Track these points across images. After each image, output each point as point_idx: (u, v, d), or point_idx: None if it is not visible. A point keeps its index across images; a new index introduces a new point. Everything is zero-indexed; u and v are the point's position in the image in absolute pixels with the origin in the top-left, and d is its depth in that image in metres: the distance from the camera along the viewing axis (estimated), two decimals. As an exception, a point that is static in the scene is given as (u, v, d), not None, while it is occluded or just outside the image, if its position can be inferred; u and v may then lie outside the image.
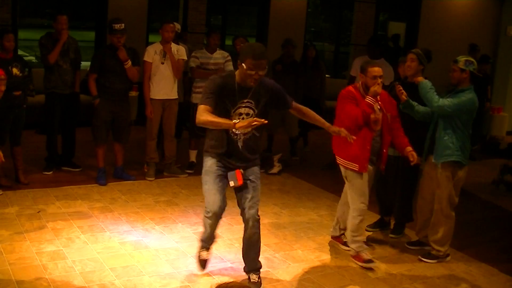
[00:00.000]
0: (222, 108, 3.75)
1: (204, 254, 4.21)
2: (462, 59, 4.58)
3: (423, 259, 4.73)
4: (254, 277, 4.05)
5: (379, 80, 4.38)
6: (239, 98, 3.77)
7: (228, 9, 10.97)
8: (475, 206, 6.61)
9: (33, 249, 4.36)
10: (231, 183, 3.87)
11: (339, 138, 4.37)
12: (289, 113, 7.29)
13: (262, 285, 4.07)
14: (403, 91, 4.67)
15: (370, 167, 4.56)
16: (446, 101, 4.48)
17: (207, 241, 4.19)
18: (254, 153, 3.97)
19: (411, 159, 4.50)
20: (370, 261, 4.49)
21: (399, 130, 4.63)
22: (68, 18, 6.07)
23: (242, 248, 4.09)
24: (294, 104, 4.04)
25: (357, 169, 4.42)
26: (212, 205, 3.87)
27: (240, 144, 3.85)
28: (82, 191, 5.79)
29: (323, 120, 4.06)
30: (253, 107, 3.82)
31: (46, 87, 6.14)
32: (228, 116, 3.75)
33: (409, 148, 4.54)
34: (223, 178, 3.90)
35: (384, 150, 4.57)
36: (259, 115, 3.78)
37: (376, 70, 4.39)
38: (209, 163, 3.91)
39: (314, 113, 4.08)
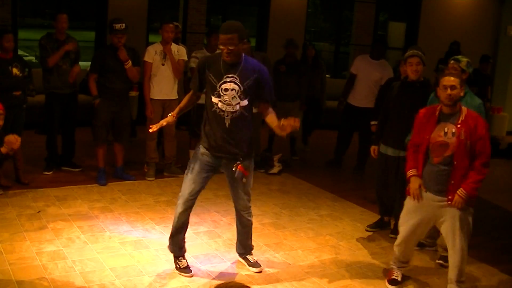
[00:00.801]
0: (210, 83, 3.95)
1: (184, 261, 4.24)
2: (464, 59, 4.53)
3: (440, 262, 4.66)
4: (252, 257, 4.38)
5: (449, 91, 3.83)
6: (224, 73, 3.92)
7: (228, 9, 10.98)
8: (475, 206, 6.58)
9: (33, 249, 4.36)
10: (244, 180, 4.01)
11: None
12: (293, 113, 7.40)
13: (262, 282, 4.11)
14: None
15: (433, 198, 3.98)
16: None
17: (176, 244, 4.23)
18: (243, 138, 4.03)
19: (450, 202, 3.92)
20: (395, 282, 4.24)
21: (473, 170, 3.88)
22: (68, 17, 6.08)
23: (239, 235, 4.37)
24: (265, 105, 4.02)
25: (408, 192, 4.09)
26: (184, 192, 4.08)
27: (227, 122, 3.95)
28: (82, 191, 5.79)
29: (276, 122, 3.90)
30: (238, 83, 3.92)
31: (45, 87, 6.14)
32: (215, 91, 3.92)
33: (461, 192, 3.90)
34: (208, 171, 4.08)
35: (452, 182, 3.90)
36: (243, 93, 3.91)
37: (446, 79, 3.89)
38: (201, 151, 4.08)
39: (273, 119, 3.94)
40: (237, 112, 3.94)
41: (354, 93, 7.15)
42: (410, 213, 4.10)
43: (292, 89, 7.39)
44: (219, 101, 3.92)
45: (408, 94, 4.90)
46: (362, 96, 7.06)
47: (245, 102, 3.94)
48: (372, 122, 5.91)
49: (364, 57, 7.27)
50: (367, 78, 7.00)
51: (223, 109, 3.92)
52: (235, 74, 3.91)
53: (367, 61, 7.12)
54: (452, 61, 4.60)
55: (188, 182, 4.07)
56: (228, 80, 3.91)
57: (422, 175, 4.02)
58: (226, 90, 3.90)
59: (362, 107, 7.01)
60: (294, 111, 7.46)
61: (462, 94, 3.90)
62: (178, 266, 4.20)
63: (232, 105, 3.91)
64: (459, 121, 3.86)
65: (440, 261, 4.65)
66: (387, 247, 5.00)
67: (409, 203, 4.12)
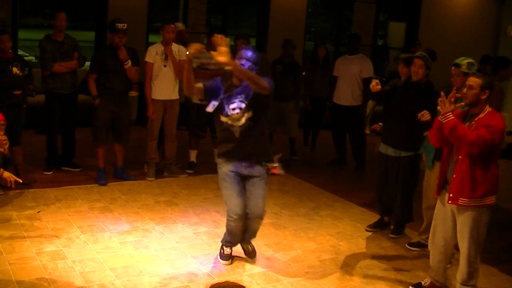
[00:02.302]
0: None
1: (228, 249, 4.40)
2: (464, 62, 4.39)
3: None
4: (248, 247, 4.48)
5: (464, 90, 3.79)
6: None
7: (228, 9, 10.97)
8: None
9: (33, 249, 4.36)
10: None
11: None
12: (288, 113, 7.41)
13: (262, 282, 4.13)
14: (377, 84, 4.78)
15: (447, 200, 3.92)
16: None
17: (233, 241, 4.38)
18: (259, 147, 4.27)
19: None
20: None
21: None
22: (67, 16, 6.09)
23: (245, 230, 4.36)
24: None
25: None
26: (235, 208, 4.15)
27: (236, 134, 4.18)
28: (82, 191, 5.79)
29: None
30: None
31: (45, 88, 6.15)
32: None
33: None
34: (240, 181, 4.24)
35: (454, 175, 3.82)
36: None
37: (468, 79, 3.85)
38: (223, 169, 4.26)
39: None
40: (244, 124, 4.19)
41: (337, 92, 7.37)
42: (434, 221, 4.06)
43: (288, 89, 7.40)
44: None
45: (411, 94, 4.89)
46: (346, 94, 7.27)
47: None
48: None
49: (342, 57, 7.61)
50: (347, 73, 7.24)
51: (230, 124, 4.24)
52: None
53: (344, 59, 7.45)
54: (452, 67, 4.51)
55: (232, 198, 4.19)
56: None
57: (447, 176, 3.95)
58: None
59: (347, 105, 7.21)
60: (287, 110, 7.48)
61: (483, 97, 3.74)
62: (222, 252, 4.37)
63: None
64: (476, 118, 3.78)
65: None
66: (387, 247, 5.00)
67: (436, 208, 4.07)
